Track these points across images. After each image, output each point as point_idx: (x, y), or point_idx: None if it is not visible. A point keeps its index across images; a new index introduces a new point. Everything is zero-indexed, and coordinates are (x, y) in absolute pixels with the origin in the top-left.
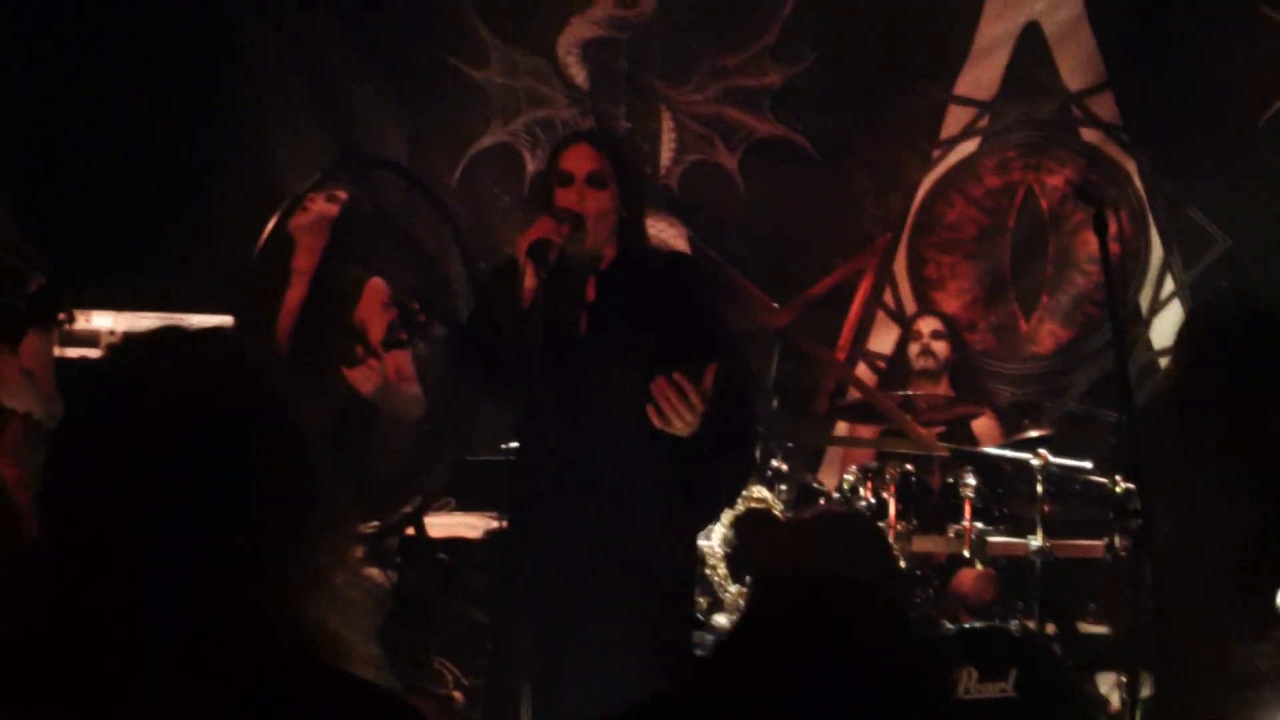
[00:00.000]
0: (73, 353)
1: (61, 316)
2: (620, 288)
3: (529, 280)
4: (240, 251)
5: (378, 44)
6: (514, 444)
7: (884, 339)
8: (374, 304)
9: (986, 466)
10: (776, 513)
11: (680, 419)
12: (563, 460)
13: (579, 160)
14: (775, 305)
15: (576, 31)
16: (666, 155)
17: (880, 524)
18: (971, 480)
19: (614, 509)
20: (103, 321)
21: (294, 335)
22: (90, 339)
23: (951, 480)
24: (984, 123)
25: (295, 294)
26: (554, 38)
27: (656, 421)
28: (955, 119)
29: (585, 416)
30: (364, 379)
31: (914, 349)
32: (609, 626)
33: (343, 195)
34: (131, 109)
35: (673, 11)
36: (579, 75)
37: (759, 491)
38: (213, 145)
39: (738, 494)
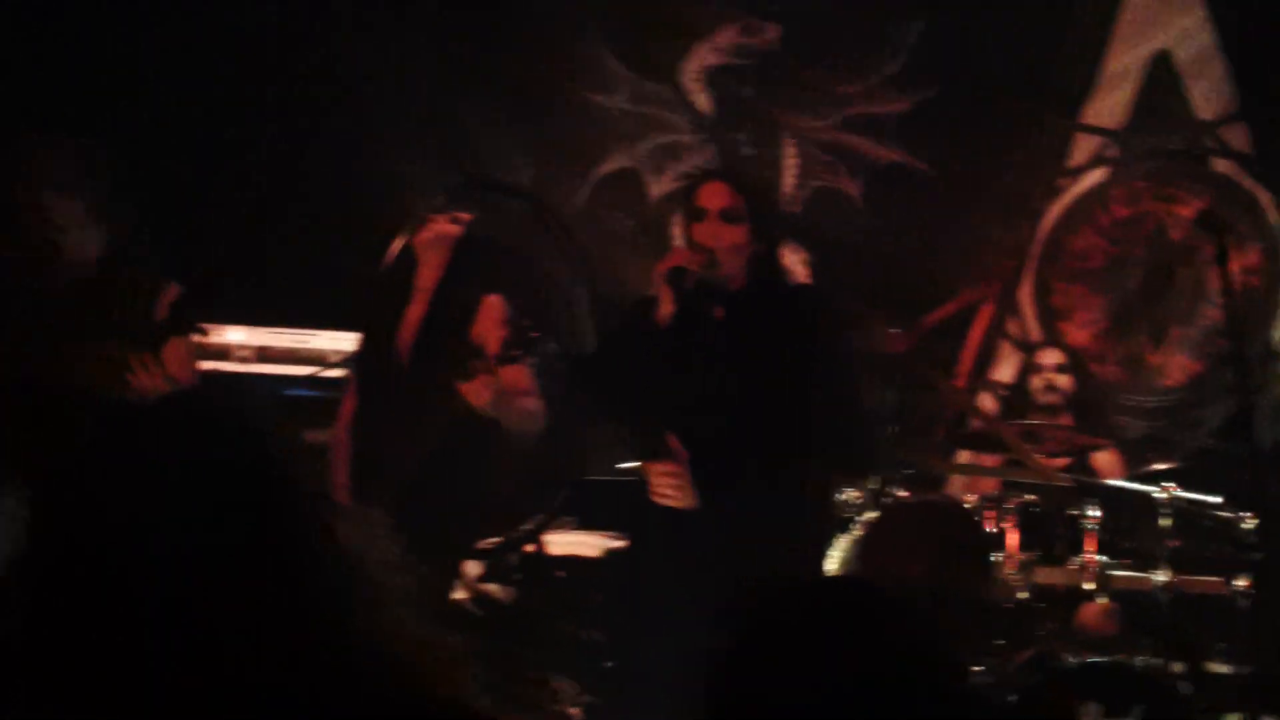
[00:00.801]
0: (205, 365)
1: (200, 325)
2: (748, 316)
3: (665, 305)
4: (366, 269)
5: (505, 72)
6: (633, 464)
7: (1006, 367)
8: (491, 321)
9: (1110, 498)
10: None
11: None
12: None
13: (713, 197)
14: (894, 331)
15: (700, 58)
16: (789, 181)
17: (999, 555)
18: (1095, 512)
19: (735, 529)
20: (235, 336)
21: (413, 351)
22: (221, 353)
23: (1075, 512)
24: (1112, 152)
25: (416, 311)
26: (678, 65)
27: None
28: (1083, 147)
29: (708, 438)
30: (478, 392)
31: (1037, 382)
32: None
33: (465, 217)
34: (264, 128)
35: (797, 39)
36: (702, 101)
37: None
38: (342, 166)
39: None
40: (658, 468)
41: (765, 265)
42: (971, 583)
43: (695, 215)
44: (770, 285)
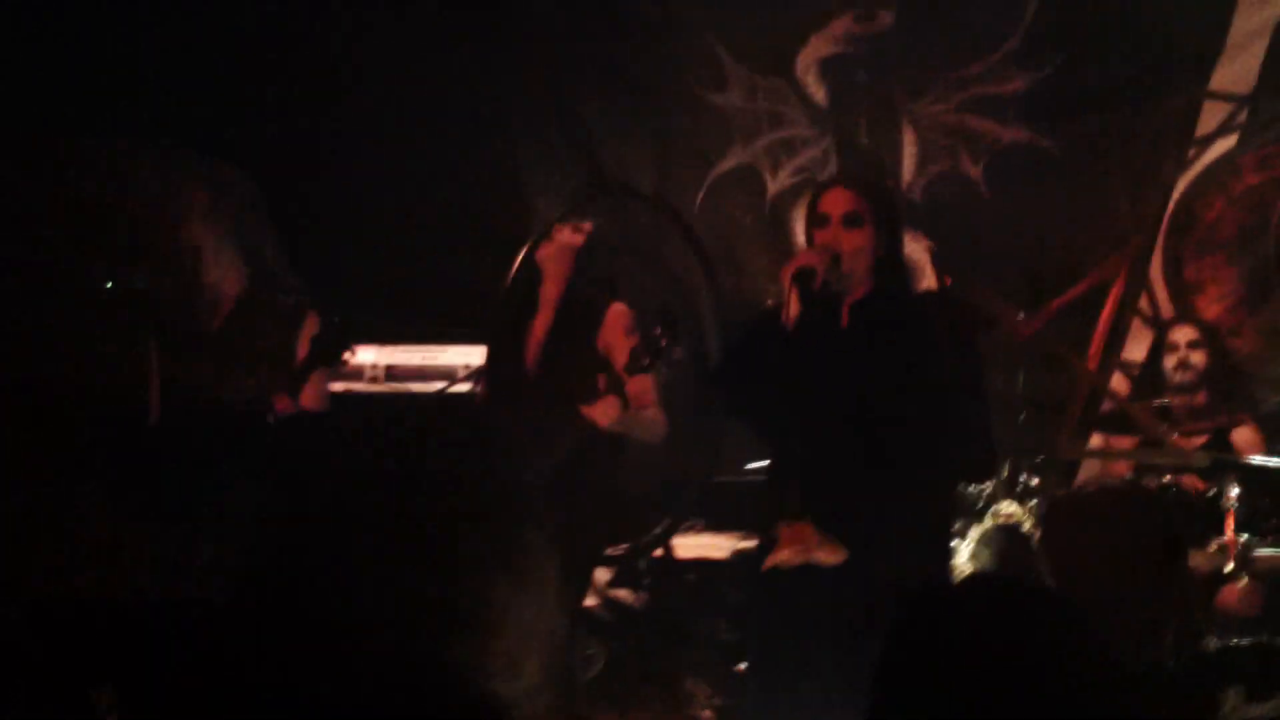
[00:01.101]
0: (338, 386)
1: (346, 356)
2: (872, 320)
3: (792, 307)
4: (492, 282)
5: (623, 72)
6: (762, 464)
7: (1138, 346)
8: (617, 329)
9: (1250, 476)
10: (1025, 529)
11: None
12: (814, 480)
13: (835, 203)
14: (1021, 315)
15: (814, 50)
16: (909, 168)
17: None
18: (1235, 491)
19: (864, 529)
20: (366, 356)
21: (540, 363)
22: (355, 374)
23: (1214, 492)
24: (1242, 118)
25: (542, 322)
26: (792, 57)
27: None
28: (1211, 115)
29: (836, 438)
30: (602, 414)
31: (1170, 361)
32: (861, 644)
33: (587, 226)
34: (385, 146)
35: (911, 23)
36: (818, 93)
37: (1008, 507)
38: (467, 180)
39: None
40: (788, 532)
41: (890, 270)
42: (1160, 585)
43: (819, 222)
44: (896, 291)
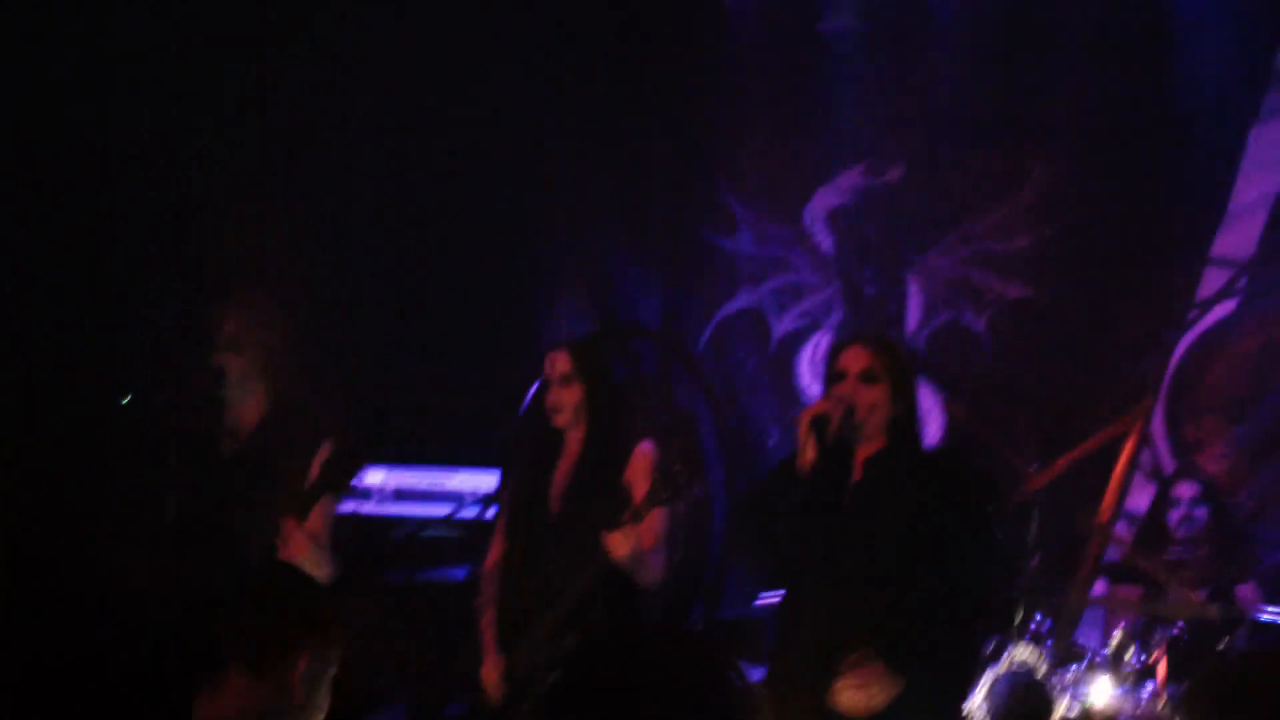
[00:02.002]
0: (346, 508)
1: (349, 484)
2: (883, 476)
3: (808, 452)
4: (508, 411)
5: (636, 214)
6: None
7: (1139, 498)
8: (641, 469)
9: (1260, 631)
10: (1040, 672)
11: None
12: (821, 619)
13: (853, 359)
14: (1031, 470)
15: (823, 201)
16: (913, 318)
17: (1149, 686)
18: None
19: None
20: (374, 478)
21: (565, 500)
22: (363, 495)
23: (1223, 644)
24: (1242, 283)
25: (568, 459)
26: (800, 207)
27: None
28: (1212, 280)
29: (843, 584)
30: (620, 544)
31: (1174, 516)
32: None
33: (561, 355)
34: (401, 271)
35: (918, 179)
36: (824, 242)
37: (1021, 652)
38: (480, 309)
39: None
40: (850, 680)
41: (904, 429)
42: None
43: (836, 378)
44: (908, 449)
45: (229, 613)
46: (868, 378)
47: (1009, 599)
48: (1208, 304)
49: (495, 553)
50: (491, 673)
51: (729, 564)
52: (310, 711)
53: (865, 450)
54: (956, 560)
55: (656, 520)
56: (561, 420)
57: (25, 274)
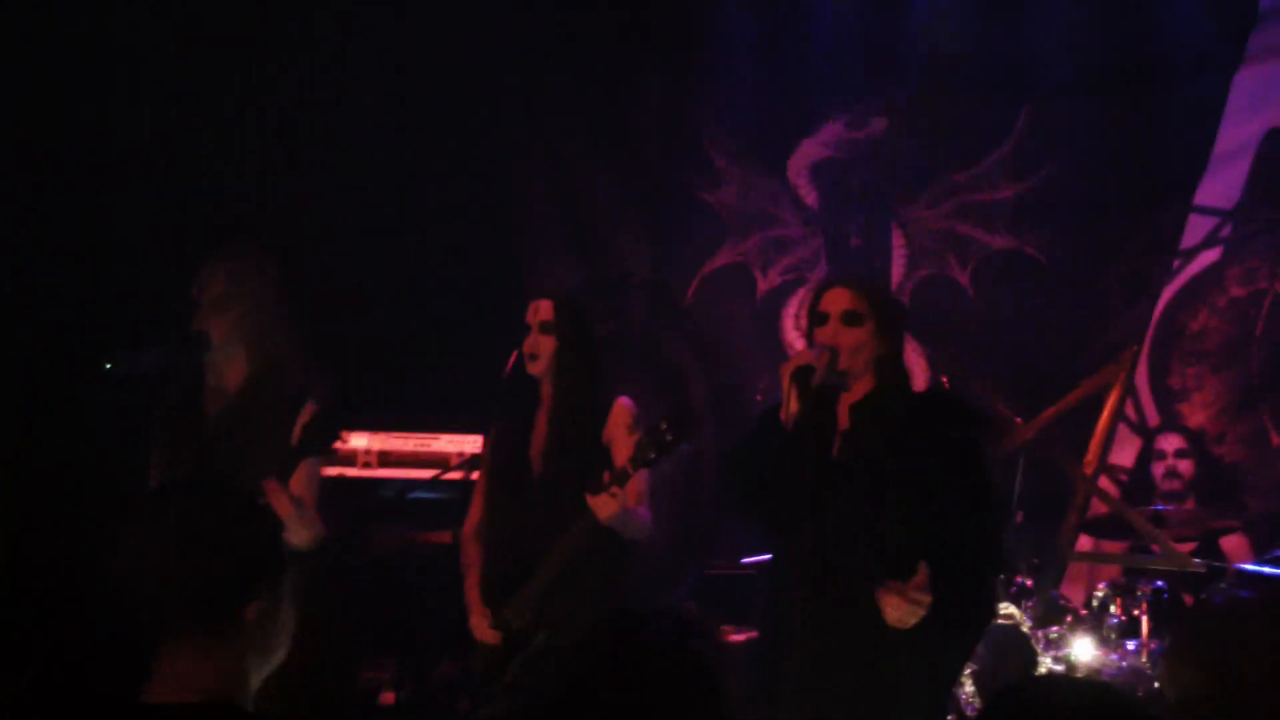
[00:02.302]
0: (330, 471)
1: (336, 445)
2: (874, 419)
3: (792, 404)
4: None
5: (622, 167)
6: (761, 558)
7: (1125, 451)
8: (620, 424)
9: (1245, 583)
10: (1024, 629)
11: (913, 616)
12: (815, 574)
13: (835, 301)
14: (1018, 422)
15: (806, 154)
16: (898, 271)
17: (1132, 642)
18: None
19: (863, 623)
20: (359, 442)
21: (545, 458)
22: (348, 459)
23: (1206, 597)
24: (1226, 231)
25: (544, 416)
26: (784, 160)
27: (893, 621)
28: (1196, 228)
29: (837, 534)
30: (604, 506)
31: (1159, 469)
32: None
33: (545, 304)
34: (385, 231)
35: (903, 130)
36: (809, 195)
37: (1005, 607)
38: (465, 267)
39: (986, 619)
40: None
41: (891, 368)
42: None
43: (818, 320)
44: (896, 389)
45: (169, 575)
46: (850, 319)
47: (994, 561)
48: (1192, 252)
49: (475, 514)
50: (478, 632)
51: (719, 521)
52: (273, 651)
53: (852, 395)
54: (958, 502)
55: (641, 480)
56: (537, 368)
57: (5, 236)
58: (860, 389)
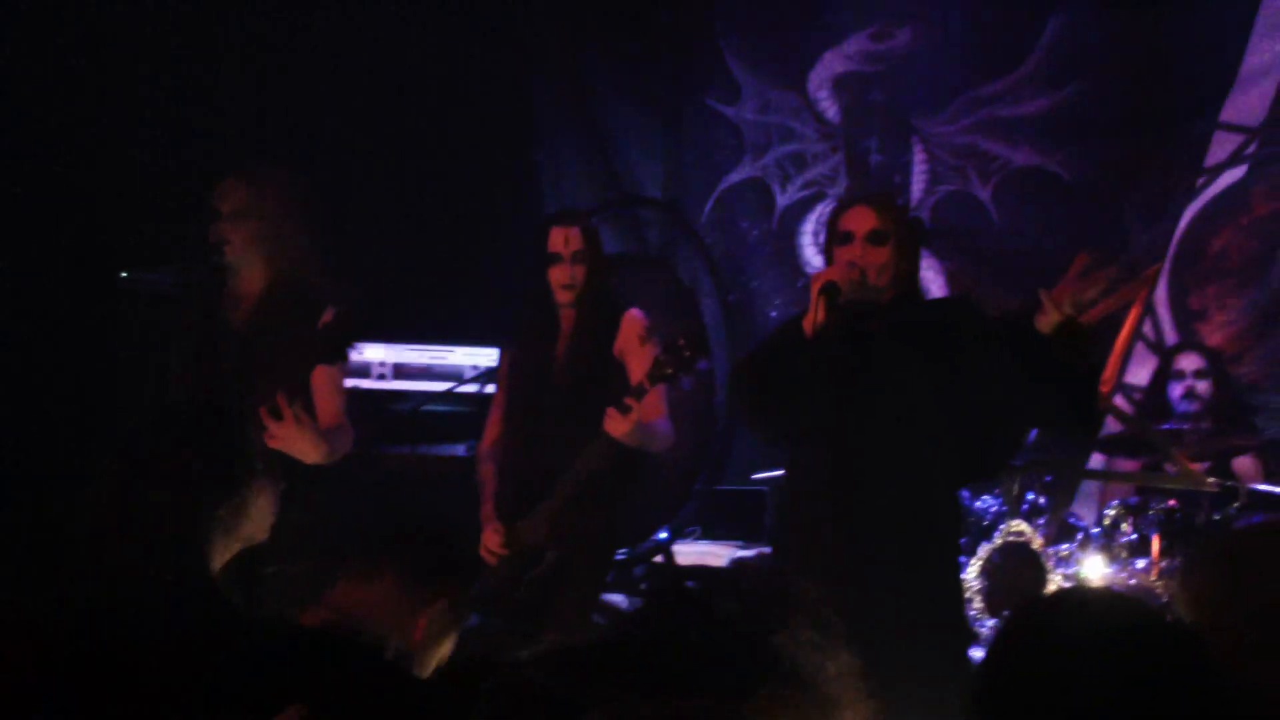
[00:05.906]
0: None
1: (350, 354)
2: (897, 327)
3: (819, 316)
4: (505, 284)
5: (638, 80)
6: (773, 473)
7: (1140, 371)
8: (633, 336)
9: (1257, 503)
10: (1035, 546)
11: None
12: (838, 487)
13: (858, 220)
14: None
15: (828, 66)
16: (918, 187)
17: (1142, 561)
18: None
19: (885, 535)
20: (374, 354)
21: (568, 379)
22: (362, 370)
23: (1218, 516)
24: (1252, 149)
25: (566, 341)
26: (805, 73)
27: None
28: (1221, 146)
29: (864, 443)
30: (617, 424)
31: (1177, 389)
32: (879, 646)
33: (575, 231)
34: (401, 147)
35: (928, 43)
36: (830, 109)
37: (1016, 525)
38: (481, 181)
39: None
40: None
41: (911, 283)
42: None
43: (841, 239)
44: (915, 299)
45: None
46: (876, 239)
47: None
48: (1216, 170)
49: (491, 433)
50: (492, 546)
51: (731, 437)
52: (242, 538)
53: (877, 309)
54: (997, 394)
55: (659, 393)
56: (569, 296)
57: (22, 146)
58: (884, 302)
